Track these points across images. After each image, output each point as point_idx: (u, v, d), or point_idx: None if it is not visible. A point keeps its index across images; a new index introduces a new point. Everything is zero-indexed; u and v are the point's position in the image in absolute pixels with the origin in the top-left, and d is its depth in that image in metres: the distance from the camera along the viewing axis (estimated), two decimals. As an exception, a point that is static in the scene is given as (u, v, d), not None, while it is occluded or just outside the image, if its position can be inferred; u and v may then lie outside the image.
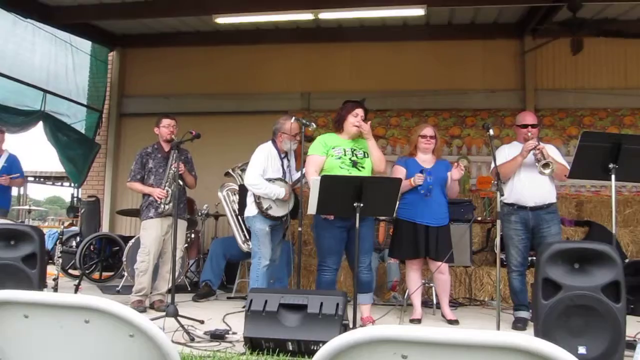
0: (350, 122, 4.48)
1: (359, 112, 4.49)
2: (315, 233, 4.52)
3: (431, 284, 5.20)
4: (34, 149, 14.43)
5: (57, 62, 8.03)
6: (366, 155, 4.50)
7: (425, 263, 4.92)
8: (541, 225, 4.61)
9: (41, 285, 4.34)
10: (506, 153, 4.78)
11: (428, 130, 4.92)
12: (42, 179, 19.26)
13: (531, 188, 4.62)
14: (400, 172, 4.81)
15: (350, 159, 4.43)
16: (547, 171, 4.45)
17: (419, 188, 4.68)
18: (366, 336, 0.95)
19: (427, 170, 4.71)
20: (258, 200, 4.89)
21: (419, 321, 4.79)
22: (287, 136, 5.02)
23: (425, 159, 4.88)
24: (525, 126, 4.71)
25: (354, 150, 4.49)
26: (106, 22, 8.33)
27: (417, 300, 4.88)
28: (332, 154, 4.43)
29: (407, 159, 4.94)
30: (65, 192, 22.72)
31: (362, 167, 4.46)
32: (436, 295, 5.20)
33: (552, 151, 4.66)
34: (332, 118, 4.70)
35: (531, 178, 4.61)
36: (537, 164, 4.49)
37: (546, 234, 4.59)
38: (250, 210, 4.99)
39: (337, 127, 4.57)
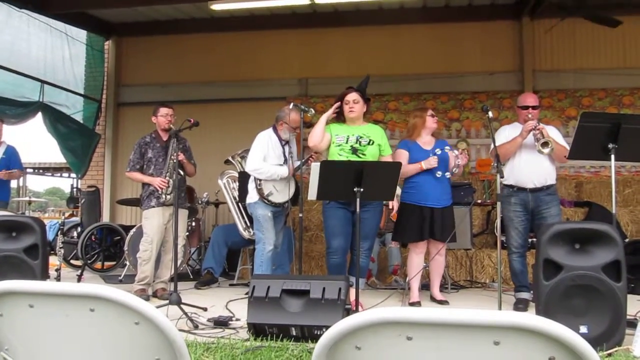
0: (346, 110, 4.55)
1: (350, 97, 4.54)
2: (323, 216, 4.59)
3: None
4: (33, 140, 14.40)
5: (53, 52, 8.01)
6: (371, 143, 4.52)
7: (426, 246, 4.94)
8: (541, 207, 4.62)
9: (44, 276, 4.35)
10: (507, 134, 4.78)
11: (430, 111, 5.02)
12: (41, 170, 19.21)
13: (530, 169, 4.63)
14: (403, 155, 4.83)
15: (351, 146, 4.47)
16: (546, 150, 4.44)
17: (434, 170, 4.70)
18: (371, 319, 0.95)
19: (441, 148, 4.78)
20: (259, 186, 4.89)
21: (419, 304, 4.82)
22: (287, 126, 5.01)
23: (426, 141, 4.90)
24: (526, 107, 4.70)
25: (360, 137, 4.51)
26: (101, 10, 8.28)
27: (416, 283, 4.89)
28: (334, 140, 4.49)
29: (409, 142, 4.93)
30: (65, 183, 22.71)
31: (363, 154, 4.48)
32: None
33: (552, 132, 4.66)
34: (330, 104, 4.71)
35: (530, 159, 4.61)
36: (536, 143, 4.49)
37: (546, 214, 4.60)
38: (252, 196, 5.00)
39: (340, 118, 4.62)
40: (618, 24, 6.75)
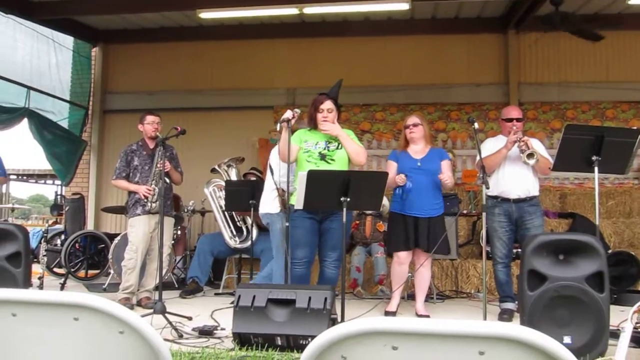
0: (319, 119, 4.33)
1: (324, 106, 4.33)
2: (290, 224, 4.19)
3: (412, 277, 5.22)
4: (17, 147, 14.26)
5: (40, 58, 7.95)
6: (339, 147, 4.34)
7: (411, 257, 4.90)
8: (524, 218, 4.67)
9: (26, 284, 4.29)
10: (491, 146, 4.82)
11: (411, 119, 4.88)
12: (25, 177, 19.01)
13: (514, 181, 4.68)
14: (391, 166, 4.79)
15: (319, 152, 4.29)
16: (532, 161, 4.50)
17: (397, 189, 4.67)
18: (356, 329, 0.95)
19: (410, 177, 4.63)
20: (284, 196, 4.64)
21: (393, 314, 4.78)
22: None
23: (417, 150, 4.80)
24: (510, 120, 4.75)
25: (329, 142, 4.35)
26: (88, 17, 8.25)
27: (398, 293, 4.85)
28: (302, 147, 4.31)
29: (399, 152, 4.88)
30: (49, 190, 22.48)
31: (332, 160, 4.30)
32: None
33: (536, 144, 4.72)
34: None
35: (514, 171, 4.67)
36: (521, 154, 4.54)
37: (529, 225, 4.64)
38: (273, 207, 4.85)
39: (311, 125, 4.41)
40: (600, 38, 6.87)
